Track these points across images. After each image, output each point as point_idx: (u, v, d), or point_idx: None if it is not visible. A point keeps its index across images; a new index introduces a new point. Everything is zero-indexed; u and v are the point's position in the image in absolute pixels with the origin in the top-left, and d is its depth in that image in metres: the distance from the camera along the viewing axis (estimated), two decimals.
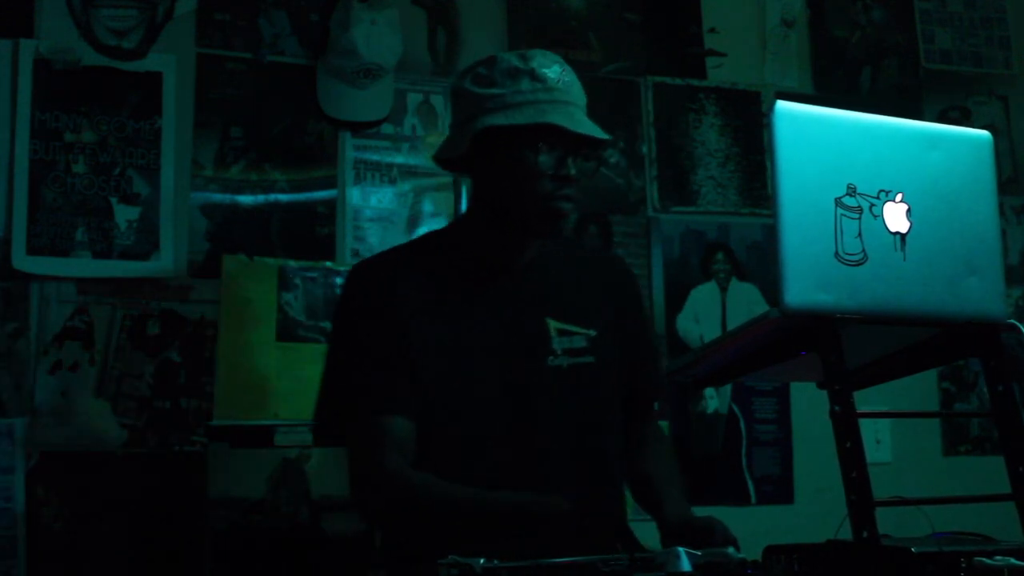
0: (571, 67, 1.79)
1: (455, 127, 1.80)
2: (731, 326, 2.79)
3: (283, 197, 2.51)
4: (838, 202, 1.23)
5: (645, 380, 1.95)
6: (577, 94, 1.75)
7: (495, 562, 1.26)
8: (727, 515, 1.84)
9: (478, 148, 1.73)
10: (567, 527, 1.52)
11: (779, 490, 2.78)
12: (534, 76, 1.71)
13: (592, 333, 1.82)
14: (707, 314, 2.80)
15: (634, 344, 1.91)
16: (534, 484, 1.67)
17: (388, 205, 2.59)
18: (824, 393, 1.23)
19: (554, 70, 1.73)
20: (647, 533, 1.77)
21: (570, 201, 1.72)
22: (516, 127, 1.68)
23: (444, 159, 1.83)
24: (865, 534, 1.14)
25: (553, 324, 1.80)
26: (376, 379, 1.71)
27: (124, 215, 2.38)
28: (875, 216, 1.25)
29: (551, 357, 1.78)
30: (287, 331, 2.43)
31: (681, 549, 1.27)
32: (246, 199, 2.48)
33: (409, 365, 1.71)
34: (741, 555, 1.30)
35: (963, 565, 1.16)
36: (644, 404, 1.97)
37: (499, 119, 1.69)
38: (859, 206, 1.24)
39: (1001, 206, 2.18)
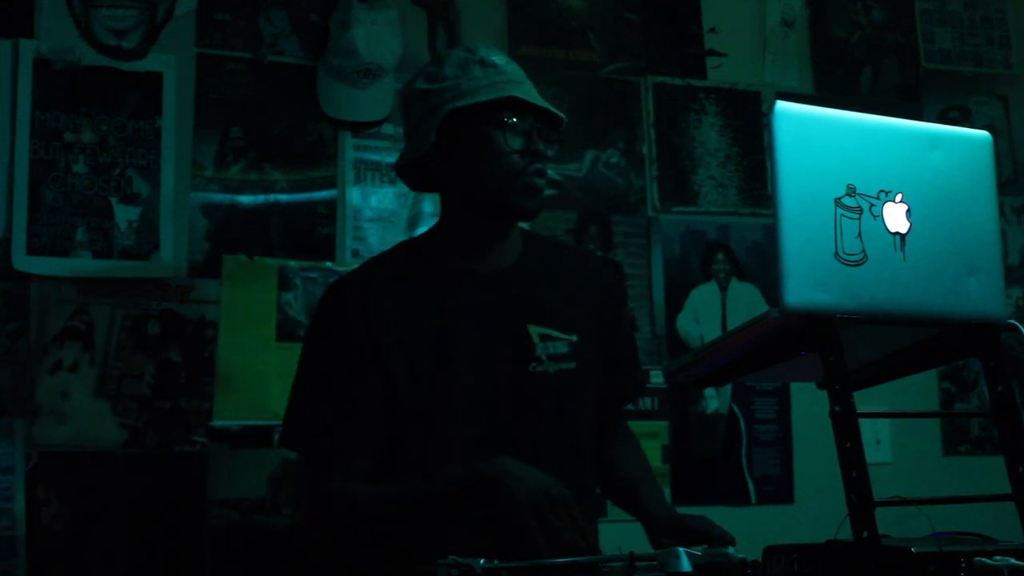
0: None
1: (412, 129, 1.80)
2: (731, 326, 2.79)
3: (283, 197, 2.51)
4: (838, 202, 1.23)
5: (621, 381, 1.95)
6: (525, 79, 1.78)
7: (495, 562, 1.27)
8: (727, 515, 1.84)
9: (443, 141, 1.73)
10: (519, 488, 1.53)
11: (779, 490, 2.78)
12: (484, 63, 1.74)
13: (573, 338, 1.81)
14: (707, 314, 2.80)
15: (611, 344, 1.90)
16: None
17: (388, 205, 2.59)
18: (824, 393, 1.23)
19: (501, 57, 1.78)
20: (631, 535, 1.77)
21: (542, 177, 1.73)
22: (478, 109, 1.70)
23: (408, 171, 1.83)
24: (865, 534, 1.14)
25: (535, 330, 1.79)
26: (337, 420, 1.71)
27: (124, 215, 2.38)
28: (875, 216, 1.25)
29: (535, 364, 1.77)
30: (287, 331, 2.43)
31: (681, 549, 1.27)
32: (246, 199, 2.48)
33: (378, 398, 1.70)
34: (741, 555, 1.30)
35: (963, 565, 1.16)
36: (617, 405, 1.98)
37: (461, 103, 1.71)
38: (859, 206, 1.24)
39: (1001, 206, 2.19)
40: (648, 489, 1.87)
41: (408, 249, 1.88)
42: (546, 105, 1.73)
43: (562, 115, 1.76)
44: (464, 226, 1.79)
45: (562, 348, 1.80)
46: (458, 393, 1.72)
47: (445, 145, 1.73)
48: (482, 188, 1.73)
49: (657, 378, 2.68)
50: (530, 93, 1.73)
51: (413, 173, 1.84)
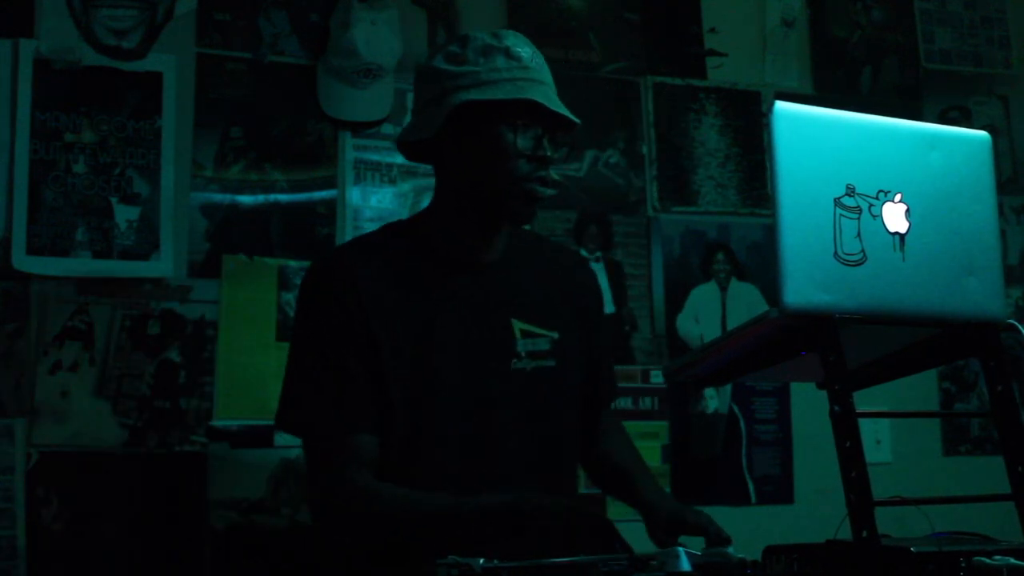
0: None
1: (423, 107, 1.74)
2: (731, 326, 2.79)
3: (283, 197, 2.51)
4: (837, 202, 1.23)
5: (604, 381, 1.95)
6: (548, 76, 1.72)
7: (495, 562, 1.26)
8: (727, 515, 1.84)
9: (451, 128, 1.68)
10: (553, 527, 1.51)
11: (779, 490, 2.78)
12: (509, 54, 1.67)
13: (554, 335, 1.80)
14: (707, 314, 2.80)
15: (594, 346, 1.90)
16: (492, 486, 1.65)
17: (388, 205, 2.59)
18: (824, 393, 1.23)
19: (527, 51, 1.70)
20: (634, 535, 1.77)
21: (545, 184, 1.69)
22: (493, 104, 1.64)
23: (409, 145, 1.78)
24: (865, 534, 1.14)
25: (518, 325, 1.77)
26: (339, 392, 1.67)
27: (124, 215, 2.38)
28: (874, 216, 1.25)
29: (515, 360, 1.76)
30: (287, 331, 2.43)
31: (681, 549, 1.28)
32: (246, 199, 2.48)
33: (372, 373, 1.67)
34: (741, 555, 1.30)
35: (963, 565, 1.16)
36: (601, 406, 1.97)
37: (476, 95, 1.64)
38: (858, 206, 1.24)
39: (1001, 206, 2.18)
40: (642, 477, 1.87)
41: (397, 231, 1.85)
42: (563, 111, 1.67)
43: (576, 120, 1.70)
44: (457, 215, 1.75)
45: (543, 345, 1.78)
46: (438, 383, 1.70)
47: (452, 133, 1.68)
48: (483, 186, 1.69)
49: (657, 378, 2.68)
50: (549, 96, 1.67)
51: (412, 148, 1.79)
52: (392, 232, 1.85)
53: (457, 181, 1.74)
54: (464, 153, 1.70)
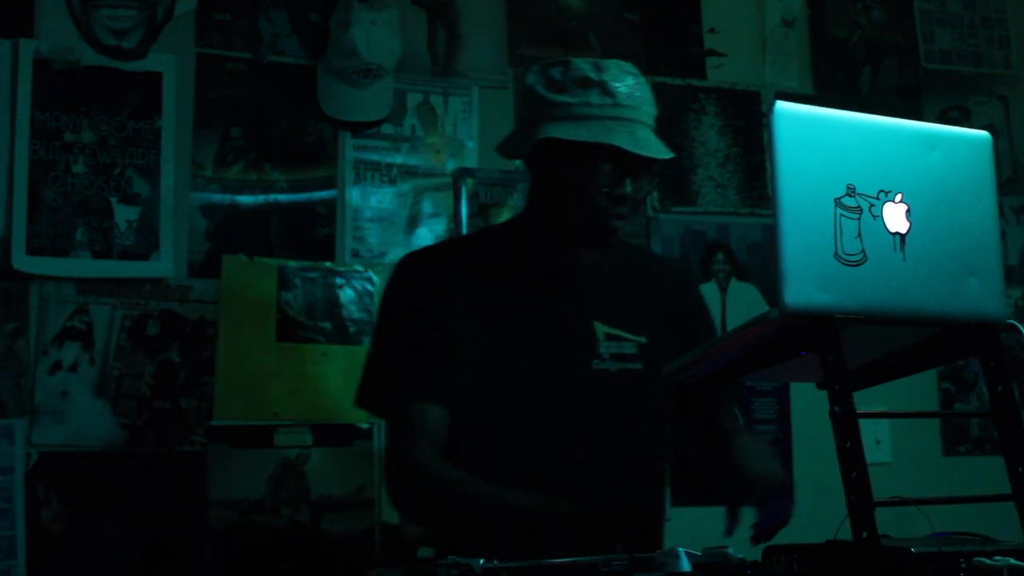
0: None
1: (520, 124, 1.79)
2: (731, 326, 2.79)
3: (283, 197, 2.51)
4: (837, 202, 1.23)
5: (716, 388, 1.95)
6: (647, 110, 1.73)
7: (495, 562, 1.26)
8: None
9: (539, 153, 1.72)
10: (571, 530, 1.53)
11: None
12: (604, 89, 1.68)
13: (642, 340, 1.82)
14: None
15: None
16: (569, 486, 1.69)
17: (388, 205, 2.59)
18: (824, 393, 1.23)
19: (626, 83, 1.70)
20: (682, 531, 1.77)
21: (621, 219, 1.72)
22: (579, 141, 1.67)
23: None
24: (865, 534, 1.14)
25: (601, 328, 1.80)
26: (411, 367, 1.74)
27: (124, 215, 2.38)
28: (874, 216, 1.25)
29: (597, 360, 1.78)
30: (287, 331, 2.43)
31: (681, 549, 1.28)
32: (246, 199, 2.49)
33: (447, 360, 1.74)
34: (741, 555, 1.30)
35: (963, 565, 1.16)
36: (720, 405, 1.95)
37: (563, 131, 1.67)
38: (858, 206, 1.24)
39: (1001, 206, 2.18)
40: (740, 442, 1.85)
41: (487, 236, 1.93)
42: (650, 152, 1.68)
43: (668, 154, 1.71)
44: (544, 226, 1.80)
45: (629, 349, 1.81)
46: (511, 384, 1.75)
47: (538, 158, 1.74)
48: (560, 214, 1.75)
49: None
50: (636, 137, 1.67)
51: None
52: (482, 236, 1.97)
53: (542, 201, 1.80)
54: (547, 181, 1.76)
